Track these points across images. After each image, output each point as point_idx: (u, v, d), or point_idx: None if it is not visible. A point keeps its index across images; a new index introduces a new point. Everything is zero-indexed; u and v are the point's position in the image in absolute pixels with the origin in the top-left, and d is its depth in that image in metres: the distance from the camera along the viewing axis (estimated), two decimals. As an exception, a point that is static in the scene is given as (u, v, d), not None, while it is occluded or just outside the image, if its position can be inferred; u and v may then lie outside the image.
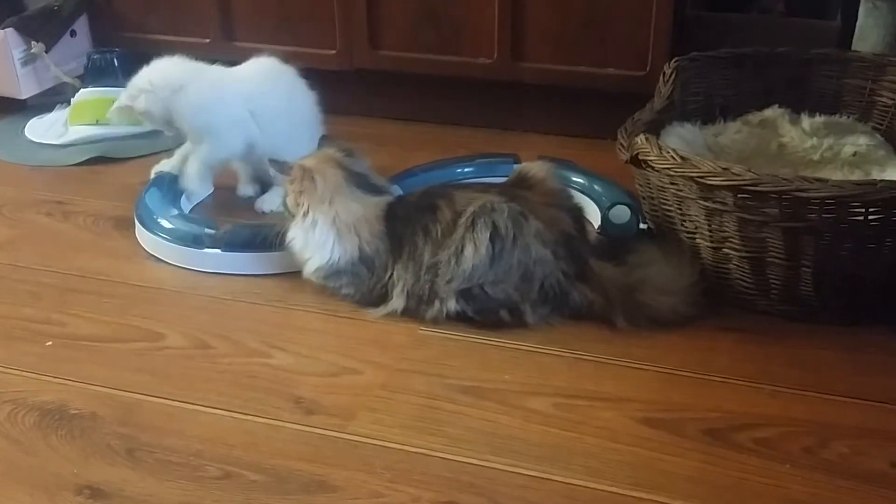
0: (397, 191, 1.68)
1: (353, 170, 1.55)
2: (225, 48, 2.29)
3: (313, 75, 1.93)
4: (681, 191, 1.50)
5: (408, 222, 1.50)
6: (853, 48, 1.99)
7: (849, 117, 1.83)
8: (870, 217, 1.37)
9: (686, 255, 1.52)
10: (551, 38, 2.13)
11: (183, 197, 1.86)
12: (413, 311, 1.50)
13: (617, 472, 1.18)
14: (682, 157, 1.46)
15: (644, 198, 1.64)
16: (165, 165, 1.90)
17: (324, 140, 1.63)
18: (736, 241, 1.47)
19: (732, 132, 1.83)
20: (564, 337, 1.46)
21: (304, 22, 2.28)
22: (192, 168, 1.84)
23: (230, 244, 1.66)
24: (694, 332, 1.46)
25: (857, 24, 2.00)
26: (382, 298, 1.52)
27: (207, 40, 2.34)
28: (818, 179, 1.38)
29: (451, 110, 2.31)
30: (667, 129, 1.73)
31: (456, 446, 1.23)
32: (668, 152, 1.47)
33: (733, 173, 1.40)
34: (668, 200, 1.55)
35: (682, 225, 1.54)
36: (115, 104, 1.85)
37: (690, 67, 1.83)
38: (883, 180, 1.40)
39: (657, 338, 1.45)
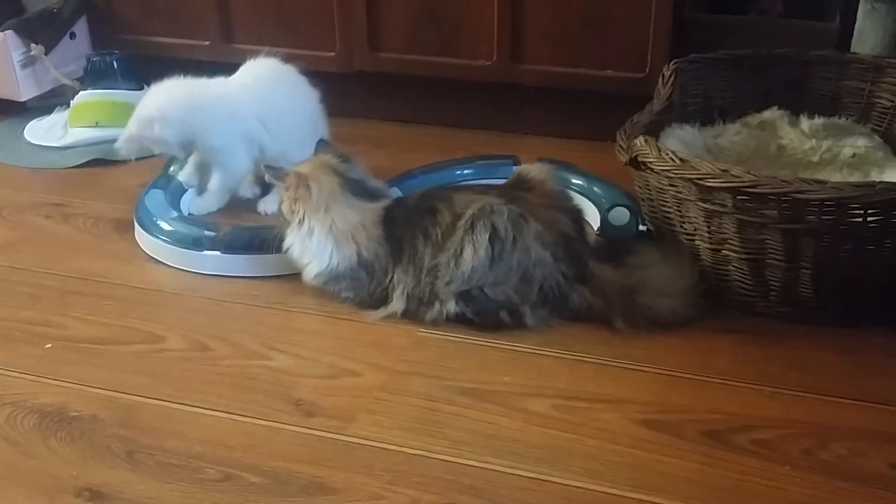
0: (396, 193, 1.68)
1: (349, 176, 1.55)
2: (224, 50, 2.29)
3: (313, 77, 1.94)
4: (680, 192, 1.50)
5: (407, 225, 1.51)
6: (852, 50, 1.99)
7: (848, 119, 1.84)
8: (869, 219, 1.37)
9: (685, 257, 1.52)
10: (551, 39, 2.13)
11: (183, 200, 1.86)
12: (413, 314, 1.50)
13: (616, 474, 1.18)
14: (681, 159, 1.46)
15: (643, 199, 1.64)
16: (181, 175, 1.88)
17: (321, 144, 1.63)
18: (735, 243, 1.47)
19: (731, 134, 1.83)
20: (564, 339, 1.46)
21: (303, 24, 2.28)
22: (212, 193, 1.85)
23: (230, 246, 1.66)
24: (693, 334, 1.47)
25: (856, 25, 2.00)
26: (382, 301, 1.52)
27: (207, 42, 2.35)
28: (817, 181, 1.38)
29: (451, 112, 2.31)
30: (666, 130, 1.73)
31: (455, 448, 1.23)
32: (668, 154, 1.48)
33: (732, 175, 1.40)
34: (667, 202, 1.55)
35: (682, 227, 1.54)
36: (124, 135, 1.80)
37: (689, 69, 1.83)
38: (882, 182, 1.40)
39: (656, 339, 1.45)
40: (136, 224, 1.77)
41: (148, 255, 1.73)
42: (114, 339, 1.49)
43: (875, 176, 1.69)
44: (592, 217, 1.71)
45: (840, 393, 1.33)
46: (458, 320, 1.48)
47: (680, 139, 1.73)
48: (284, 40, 2.27)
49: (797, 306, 1.49)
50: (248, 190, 1.94)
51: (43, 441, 1.26)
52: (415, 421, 1.29)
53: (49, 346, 1.48)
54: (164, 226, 1.72)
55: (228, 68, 1.90)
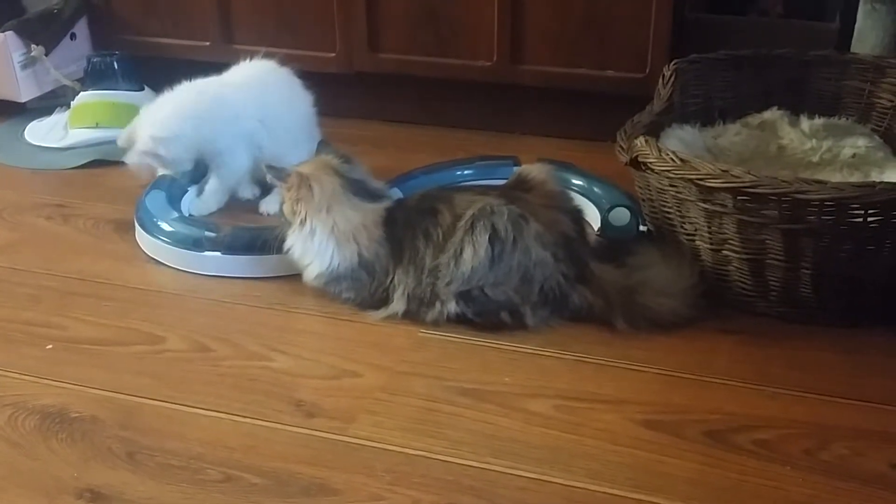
0: (397, 193, 1.68)
1: (350, 177, 1.55)
2: (224, 51, 2.29)
3: (313, 78, 1.94)
4: (680, 193, 1.50)
5: (408, 226, 1.51)
6: (852, 50, 1.99)
7: (848, 119, 1.84)
8: (869, 219, 1.38)
9: (686, 258, 1.52)
10: (551, 40, 2.13)
11: (184, 201, 1.86)
12: (413, 314, 1.50)
13: (617, 474, 1.18)
14: (681, 160, 1.46)
15: (644, 200, 1.64)
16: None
17: (322, 145, 1.63)
18: (735, 243, 1.47)
19: (732, 134, 1.83)
20: (564, 339, 1.46)
21: (303, 25, 2.28)
22: (211, 193, 1.85)
23: (230, 247, 1.66)
24: (694, 334, 1.47)
25: (856, 25, 2.00)
26: (383, 301, 1.52)
27: (207, 43, 2.35)
28: (817, 181, 1.38)
29: (451, 113, 2.31)
30: (666, 131, 1.73)
31: (456, 448, 1.23)
32: (668, 154, 1.48)
33: (733, 175, 1.40)
34: (667, 202, 1.55)
35: (682, 227, 1.54)
36: (133, 159, 1.78)
37: (690, 69, 1.83)
38: (882, 182, 1.40)
39: (657, 340, 1.45)
40: (136, 225, 1.78)
41: (148, 255, 1.73)
42: (114, 340, 1.49)
43: (875, 176, 1.69)
44: (593, 217, 1.71)
45: (840, 393, 1.33)
46: (459, 321, 1.48)
47: (680, 139, 1.73)
48: (284, 41, 2.27)
49: (797, 306, 1.49)
50: (247, 191, 1.94)
51: (44, 442, 1.26)
52: (415, 421, 1.29)
53: (50, 347, 1.48)
54: (165, 227, 1.72)
55: (229, 69, 1.90)
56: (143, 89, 2.31)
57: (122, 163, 1.88)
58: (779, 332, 1.48)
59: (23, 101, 2.39)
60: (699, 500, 1.15)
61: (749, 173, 1.40)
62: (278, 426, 1.28)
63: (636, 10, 2.04)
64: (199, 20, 2.35)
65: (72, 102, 2.32)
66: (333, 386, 1.38)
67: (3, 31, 2.32)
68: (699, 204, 1.47)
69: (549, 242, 1.46)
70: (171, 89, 1.83)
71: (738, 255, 1.48)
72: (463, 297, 1.46)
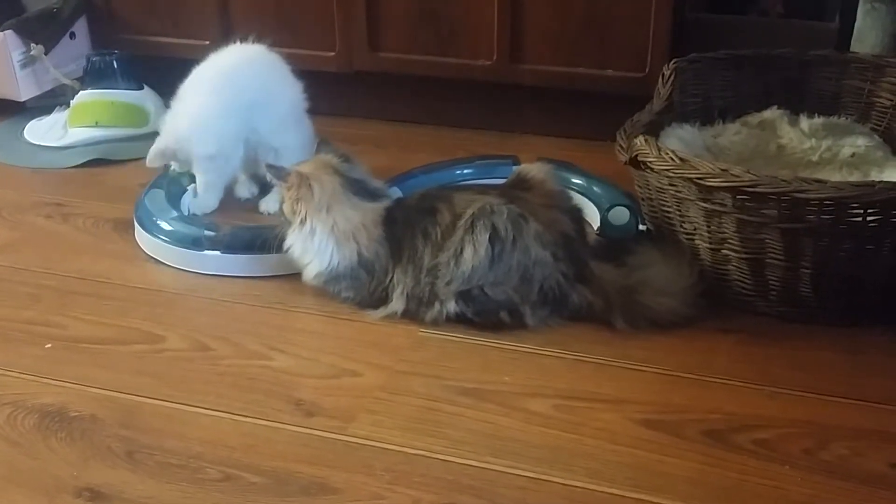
0: (396, 193, 1.68)
1: (350, 176, 1.55)
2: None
3: (313, 77, 1.94)
4: (680, 192, 1.50)
5: (407, 225, 1.51)
6: (851, 49, 1.99)
7: (847, 118, 1.84)
8: (868, 218, 1.38)
9: (685, 257, 1.52)
10: (550, 39, 2.13)
11: (184, 200, 1.86)
12: (413, 313, 1.50)
13: (616, 474, 1.18)
14: (681, 159, 1.46)
15: (643, 199, 1.64)
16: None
17: (321, 144, 1.63)
18: (735, 243, 1.47)
19: (731, 133, 1.83)
20: (564, 338, 1.46)
21: (303, 24, 2.28)
22: (208, 193, 1.84)
23: (230, 246, 1.66)
24: (693, 334, 1.47)
25: (856, 25, 2.00)
26: (382, 301, 1.52)
27: (206, 42, 2.33)
28: (817, 181, 1.38)
29: (451, 112, 2.31)
30: (666, 130, 1.73)
31: (456, 448, 1.23)
32: (668, 154, 1.48)
33: (732, 175, 1.40)
34: (667, 202, 1.55)
35: (682, 226, 1.54)
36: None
37: (689, 69, 1.83)
38: (881, 181, 1.40)
39: (656, 339, 1.45)
40: (136, 224, 1.77)
41: (148, 254, 1.73)
42: (114, 339, 1.49)
43: (874, 175, 1.69)
44: (592, 217, 1.71)
45: (840, 392, 1.33)
46: (459, 320, 1.48)
47: (680, 139, 1.73)
48: (284, 40, 2.25)
49: (797, 306, 1.49)
50: (245, 190, 1.94)
51: (43, 441, 1.26)
52: (415, 421, 1.29)
53: (49, 346, 1.48)
54: (165, 226, 1.72)
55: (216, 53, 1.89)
56: (142, 88, 2.31)
57: (122, 162, 1.88)
58: (778, 332, 1.48)
59: (22, 99, 2.39)
60: (699, 499, 1.15)
61: (748, 172, 1.40)
62: (278, 425, 1.28)
63: (636, 10, 2.04)
64: (198, 19, 2.35)
65: (71, 101, 2.32)
66: (333, 385, 1.38)
67: (2, 30, 2.31)
68: (699, 203, 1.47)
69: (548, 242, 1.46)
70: (176, 94, 1.84)
71: (737, 255, 1.48)
72: (463, 296, 1.46)
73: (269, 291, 1.61)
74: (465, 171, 1.91)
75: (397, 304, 1.50)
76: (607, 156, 1.69)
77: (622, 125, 1.65)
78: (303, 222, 1.52)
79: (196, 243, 1.68)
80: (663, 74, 1.80)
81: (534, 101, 2.23)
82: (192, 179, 1.86)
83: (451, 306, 1.47)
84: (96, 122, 2.26)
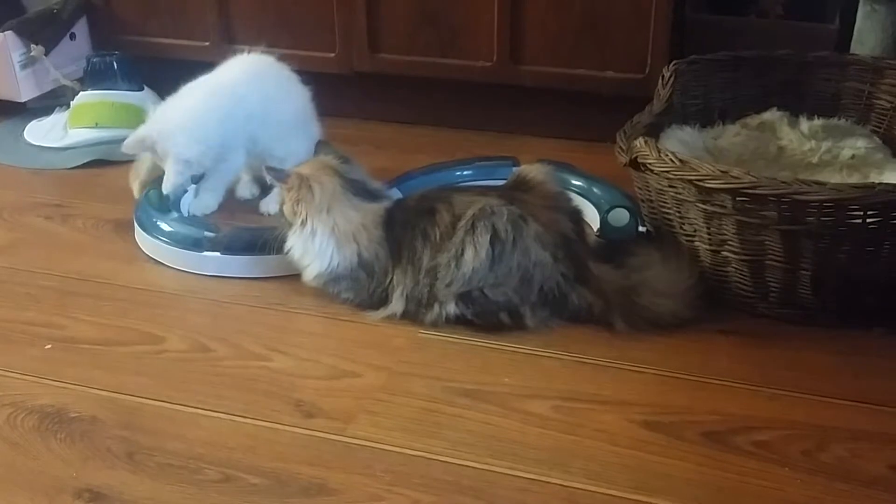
0: (396, 194, 1.69)
1: (350, 177, 1.55)
2: (224, 51, 2.27)
3: (313, 78, 1.93)
4: (679, 194, 1.50)
5: (407, 226, 1.51)
6: (851, 51, 1.99)
7: (847, 120, 1.84)
8: (868, 220, 1.38)
9: (685, 258, 1.52)
10: (550, 41, 2.13)
11: (183, 201, 1.85)
12: (412, 315, 1.50)
13: (616, 475, 1.19)
14: (680, 160, 1.46)
15: (643, 201, 1.64)
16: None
17: (320, 145, 1.63)
18: (735, 244, 1.47)
19: (731, 135, 1.83)
20: (564, 340, 1.46)
21: (303, 25, 2.28)
22: (210, 192, 1.84)
23: (230, 247, 1.66)
24: (693, 335, 1.47)
25: (856, 27, 2.01)
26: (382, 302, 1.52)
27: (207, 43, 2.35)
28: (816, 182, 1.38)
29: (451, 113, 2.31)
30: (666, 131, 1.73)
31: (455, 449, 1.23)
32: (667, 155, 1.48)
33: (732, 176, 1.40)
34: (666, 203, 1.55)
35: (681, 228, 1.54)
36: (168, 187, 1.75)
37: (689, 70, 1.83)
38: (881, 183, 1.40)
39: (656, 341, 1.45)
40: (135, 225, 1.77)
41: (148, 256, 1.73)
42: (114, 340, 1.49)
43: (874, 177, 1.69)
44: (592, 218, 1.71)
45: (840, 394, 1.33)
46: (458, 321, 1.48)
47: (680, 140, 1.74)
48: (284, 41, 2.26)
49: (797, 307, 1.49)
50: (246, 190, 1.94)
51: (43, 442, 1.26)
52: (415, 422, 1.29)
53: (49, 347, 1.48)
54: (164, 227, 1.72)
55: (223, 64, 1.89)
56: (142, 89, 2.31)
57: (122, 163, 1.88)
58: (778, 333, 1.48)
59: (22, 100, 2.39)
60: (698, 500, 1.15)
61: (748, 174, 1.40)
62: (278, 426, 1.29)
63: (636, 12, 2.04)
64: (198, 20, 2.36)
65: (71, 102, 2.32)
66: (333, 386, 1.38)
67: (2, 31, 2.32)
68: (698, 205, 1.48)
69: (548, 243, 1.46)
70: (175, 92, 1.83)
71: (737, 256, 1.49)
72: (463, 297, 1.46)
73: (268, 292, 1.61)
74: (465, 173, 1.91)
75: (397, 305, 1.50)
76: (607, 157, 1.69)
77: (622, 127, 1.65)
78: (304, 223, 1.52)
79: (196, 244, 1.68)
80: (663, 76, 1.80)
81: (534, 103, 2.23)
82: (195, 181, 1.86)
83: (451, 308, 1.47)
84: (96, 123, 2.26)
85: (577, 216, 1.55)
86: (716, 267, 1.52)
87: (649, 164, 1.51)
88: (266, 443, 1.25)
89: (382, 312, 1.52)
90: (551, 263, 1.46)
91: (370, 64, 2.27)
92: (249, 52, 1.89)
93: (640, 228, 1.67)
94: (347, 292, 1.54)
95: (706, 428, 1.27)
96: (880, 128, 1.83)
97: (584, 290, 1.48)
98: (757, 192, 1.38)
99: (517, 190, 1.54)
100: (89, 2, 2.46)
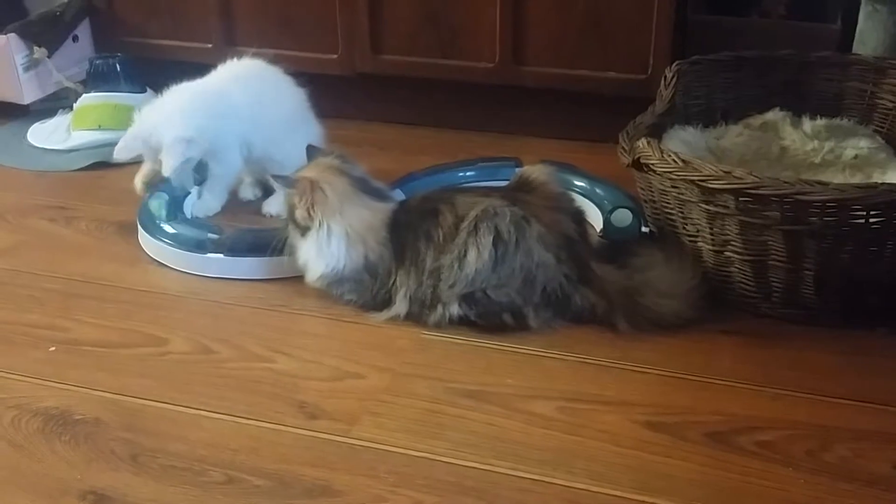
0: (399, 195, 1.69)
1: (354, 175, 1.55)
2: (226, 53, 2.28)
3: (315, 80, 1.94)
4: (682, 194, 1.50)
5: (410, 228, 1.51)
6: (853, 51, 1.99)
7: (850, 120, 1.84)
8: (871, 220, 1.38)
9: (688, 259, 1.52)
10: (553, 42, 2.13)
11: (186, 203, 1.86)
12: (416, 316, 1.50)
13: (619, 476, 1.19)
14: (683, 161, 1.46)
15: (646, 201, 1.64)
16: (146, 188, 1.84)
17: (311, 150, 1.62)
18: (737, 245, 1.47)
19: (734, 135, 1.83)
20: (567, 340, 1.46)
21: (305, 26, 2.28)
22: (210, 195, 1.84)
23: (233, 249, 1.66)
24: (696, 336, 1.47)
25: (858, 27, 2.00)
26: (385, 303, 1.52)
27: (209, 45, 2.35)
28: (819, 182, 1.38)
29: (453, 114, 2.31)
30: (668, 132, 1.73)
31: (459, 450, 1.23)
32: (670, 156, 1.48)
33: (735, 177, 1.40)
34: (669, 204, 1.55)
35: (684, 228, 1.54)
36: (170, 170, 1.72)
37: (691, 71, 1.83)
38: (884, 183, 1.40)
39: (659, 341, 1.45)
40: (139, 227, 1.78)
41: (151, 257, 1.74)
42: (117, 343, 1.50)
43: (877, 177, 1.69)
44: (595, 219, 1.72)
45: (843, 394, 1.33)
46: (462, 322, 1.48)
47: (682, 141, 1.74)
48: (286, 43, 2.27)
49: (799, 308, 1.49)
50: (248, 192, 1.95)
51: (47, 444, 1.26)
52: (418, 423, 1.29)
53: (53, 349, 1.48)
54: (168, 229, 1.72)
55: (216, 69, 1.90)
56: (145, 91, 2.31)
57: (125, 165, 1.87)
58: (781, 334, 1.48)
59: (25, 103, 2.40)
60: (701, 501, 1.15)
61: (751, 174, 1.40)
62: (281, 428, 1.29)
63: (638, 12, 2.04)
64: (200, 22, 2.36)
65: (74, 104, 2.33)
66: (336, 387, 1.38)
67: (5, 34, 2.32)
68: (701, 205, 1.48)
69: (551, 244, 1.47)
70: (166, 92, 1.83)
71: (740, 257, 1.48)
72: (466, 299, 1.46)
73: (272, 294, 1.61)
74: (468, 174, 1.91)
75: (400, 306, 1.51)
76: (610, 158, 1.68)
77: (624, 127, 1.65)
78: (320, 226, 1.51)
79: (199, 246, 1.68)
80: (665, 76, 1.80)
81: (536, 104, 2.23)
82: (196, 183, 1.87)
83: (454, 309, 1.47)
84: (99, 126, 2.26)
85: (579, 217, 1.55)
86: (719, 267, 1.52)
87: (652, 164, 1.51)
88: (269, 444, 1.25)
89: (386, 314, 1.52)
90: (554, 264, 1.46)
91: (372, 65, 2.27)
92: (240, 58, 1.89)
93: (643, 229, 1.67)
94: (351, 294, 1.55)
95: (709, 428, 1.27)
96: (883, 128, 1.83)
97: (587, 291, 1.48)
98: (760, 192, 1.38)
99: (520, 191, 1.54)
100: (92, 4, 2.47)
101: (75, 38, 2.47)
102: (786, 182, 1.38)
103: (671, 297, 1.48)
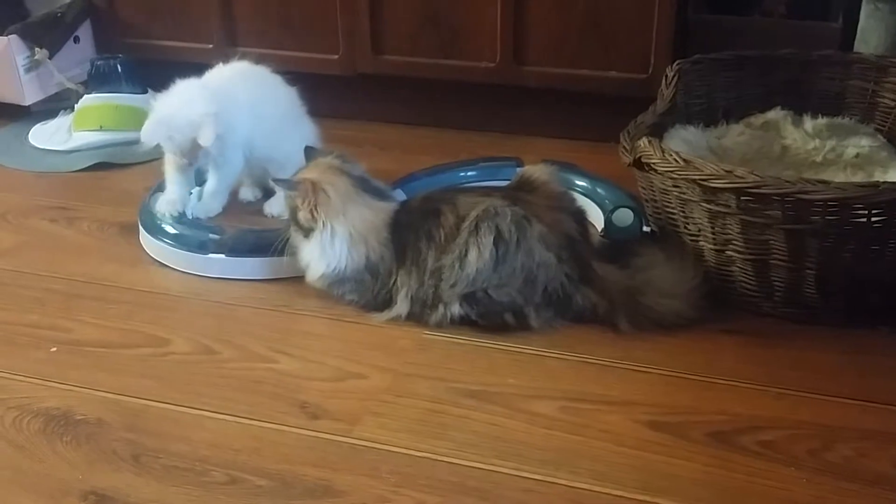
0: (400, 195, 1.69)
1: (355, 174, 1.55)
2: (228, 54, 2.28)
3: (316, 80, 1.94)
4: (684, 193, 1.50)
5: (411, 228, 1.51)
6: (855, 50, 1.99)
7: (851, 119, 1.84)
8: (873, 219, 1.37)
9: (689, 258, 1.52)
10: (554, 41, 2.13)
11: (189, 205, 1.85)
12: (417, 316, 1.50)
13: (622, 476, 1.18)
14: (684, 160, 1.46)
15: (647, 201, 1.64)
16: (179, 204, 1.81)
17: (309, 150, 1.62)
18: (739, 244, 1.47)
19: (735, 134, 1.83)
20: (568, 340, 1.46)
21: (306, 27, 2.28)
22: (214, 195, 1.83)
23: (234, 249, 1.66)
24: (697, 335, 1.47)
25: (859, 25, 2.00)
26: (387, 303, 1.52)
27: (210, 46, 2.35)
28: (821, 181, 1.38)
29: (454, 114, 2.31)
30: (669, 131, 1.73)
31: (461, 450, 1.23)
32: (671, 155, 1.48)
33: (736, 176, 1.40)
34: (671, 203, 1.55)
35: (686, 228, 1.54)
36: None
37: (693, 70, 1.83)
38: (885, 182, 1.40)
39: (661, 341, 1.45)
40: (140, 227, 1.78)
41: (153, 258, 1.74)
42: (119, 343, 1.50)
43: (879, 176, 1.69)
44: (596, 218, 1.72)
45: (845, 394, 1.33)
46: (463, 322, 1.48)
47: (683, 140, 1.74)
48: (287, 43, 2.27)
49: (801, 307, 1.49)
50: (249, 193, 1.94)
51: (49, 444, 1.26)
52: (420, 423, 1.29)
53: (54, 349, 1.48)
54: (169, 229, 1.72)
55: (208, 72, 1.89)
56: (146, 92, 2.31)
57: (127, 165, 1.87)
58: (783, 333, 1.48)
59: (27, 104, 2.40)
60: (704, 501, 1.15)
61: (752, 174, 1.40)
62: (283, 428, 1.29)
63: (639, 11, 2.04)
64: (202, 23, 2.36)
65: (76, 105, 2.33)
66: (338, 388, 1.38)
67: (7, 35, 2.32)
68: (703, 204, 1.47)
69: (552, 244, 1.46)
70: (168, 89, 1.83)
71: (741, 256, 1.48)
72: (467, 298, 1.46)
73: (273, 294, 1.61)
74: (469, 174, 1.91)
75: (402, 306, 1.51)
76: (611, 157, 1.68)
77: (626, 127, 1.65)
78: (324, 227, 1.51)
79: (201, 246, 1.68)
80: (666, 76, 1.80)
81: (537, 103, 2.23)
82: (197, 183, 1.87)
83: (456, 309, 1.47)
84: (101, 126, 2.27)
85: (580, 216, 1.55)
86: (720, 266, 1.52)
87: (653, 163, 1.51)
88: (271, 444, 1.25)
89: (387, 314, 1.52)
90: (555, 264, 1.46)
91: (373, 65, 2.27)
92: (227, 62, 1.89)
93: (645, 228, 1.67)
94: (352, 294, 1.55)
95: (712, 428, 1.27)
96: (884, 126, 1.83)
97: (588, 291, 1.48)
98: (761, 191, 1.38)
99: (521, 190, 1.54)
100: (93, 5, 2.47)
101: (76, 40, 2.47)
102: (787, 181, 1.38)
103: (673, 296, 1.48)
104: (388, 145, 2.22)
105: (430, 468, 1.20)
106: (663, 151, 1.49)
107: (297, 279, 1.60)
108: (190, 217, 1.81)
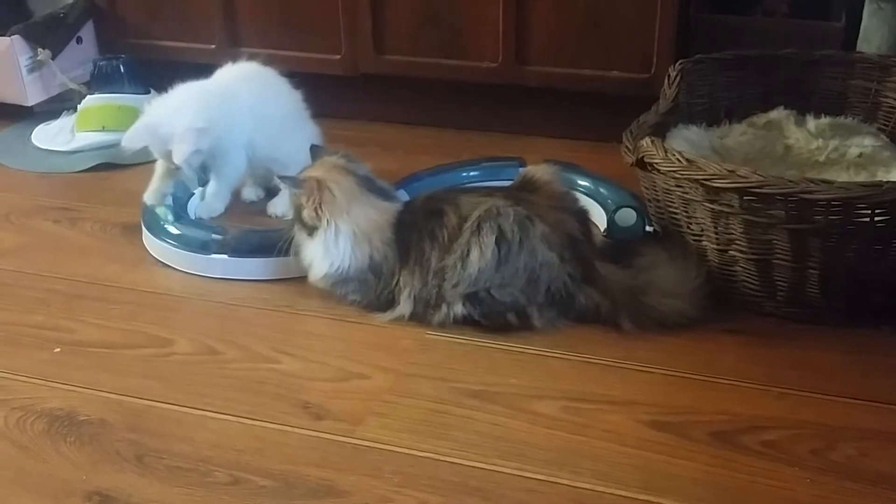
0: (403, 195, 1.69)
1: (360, 174, 1.55)
2: (230, 54, 2.27)
3: (318, 80, 1.94)
4: (686, 193, 1.50)
5: (414, 228, 1.51)
6: (857, 49, 1.99)
7: (854, 118, 1.83)
8: (876, 218, 1.37)
9: (692, 258, 1.52)
10: (556, 41, 2.13)
11: (190, 204, 1.86)
12: (420, 316, 1.50)
13: (624, 475, 1.18)
14: (687, 160, 1.46)
15: (650, 200, 1.64)
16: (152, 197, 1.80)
17: (315, 149, 1.62)
18: (742, 244, 1.47)
19: (738, 134, 1.83)
20: (571, 340, 1.46)
21: (308, 27, 2.28)
22: (216, 195, 1.83)
23: (237, 250, 1.66)
24: (700, 335, 1.46)
25: (862, 25, 2.00)
26: (389, 303, 1.52)
27: (213, 46, 2.35)
28: (824, 181, 1.38)
29: (456, 114, 2.31)
30: (672, 131, 1.73)
31: (463, 450, 1.23)
32: (674, 155, 1.48)
33: (739, 175, 1.40)
34: (673, 203, 1.55)
35: (688, 227, 1.54)
36: (181, 157, 1.68)
37: (695, 70, 1.83)
38: (889, 181, 1.40)
39: (663, 340, 1.45)
40: (143, 228, 1.78)
41: (155, 258, 1.74)
42: (122, 343, 1.50)
43: (882, 175, 1.69)
44: (599, 218, 1.71)
45: (848, 393, 1.33)
46: (466, 322, 1.48)
47: (686, 140, 1.73)
48: (289, 43, 2.27)
49: (804, 307, 1.49)
50: (251, 193, 1.95)
51: (52, 445, 1.26)
52: (423, 423, 1.29)
53: (57, 350, 1.48)
54: (172, 230, 1.72)
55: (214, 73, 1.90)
56: (149, 92, 2.31)
57: (130, 166, 1.87)
58: (786, 333, 1.48)
59: (30, 104, 2.40)
60: (707, 501, 1.15)
61: (755, 173, 1.39)
62: (286, 428, 1.29)
63: (641, 11, 2.04)
64: (204, 23, 2.36)
65: (78, 106, 2.33)
66: (341, 388, 1.38)
67: (9, 35, 2.33)
68: (705, 204, 1.47)
69: (555, 243, 1.46)
70: (171, 90, 1.83)
71: (744, 256, 1.48)
72: (469, 298, 1.46)
73: (276, 294, 1.61)
74: (472, 174, 1.91)
75: (404, 306, 1.51)
76: (613, 157, 1.68)
77: (628, 126, 1.65)
78: (328, 225, 1.51)
79: (203, 247, 1.68)
80: (669, 75, 1.80)
81: (539, 103, 2.23)
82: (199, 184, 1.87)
83: (458, 309, 1.47)
84: (103, 127, 2.27)
85: (583, 216, 1.55)
86: (723, 266, 1.52)
87: (656, 163, 1.51)
88: (274, 445, 1.26)
89: (390, 314, 1.52)
90: (558, 264, 1.46)
91: (375, 65, 2.27)
92: (235, 61, 1.89)
93: (647, 228, 1.67)
94: (355, 294, 1.55)
95: (714, 428, 1.27)
96: (887, 126, 1.83)
97: (590, 291, 1.48)
98: (764, 191, 1.38)
99: (523, 190, 1.54)
100: (95, 5, 2.47)
101: (79, 40, 2.47)
102: (790, 181, 1.38)
103: (675, 296, 1.48)
104: (390, 145, 2.22)
105: (432, 468, 1.20)
106: (666, 151, 1.49)
107: (300, 279, 1.60)
108: (193, 217, 1.81)
